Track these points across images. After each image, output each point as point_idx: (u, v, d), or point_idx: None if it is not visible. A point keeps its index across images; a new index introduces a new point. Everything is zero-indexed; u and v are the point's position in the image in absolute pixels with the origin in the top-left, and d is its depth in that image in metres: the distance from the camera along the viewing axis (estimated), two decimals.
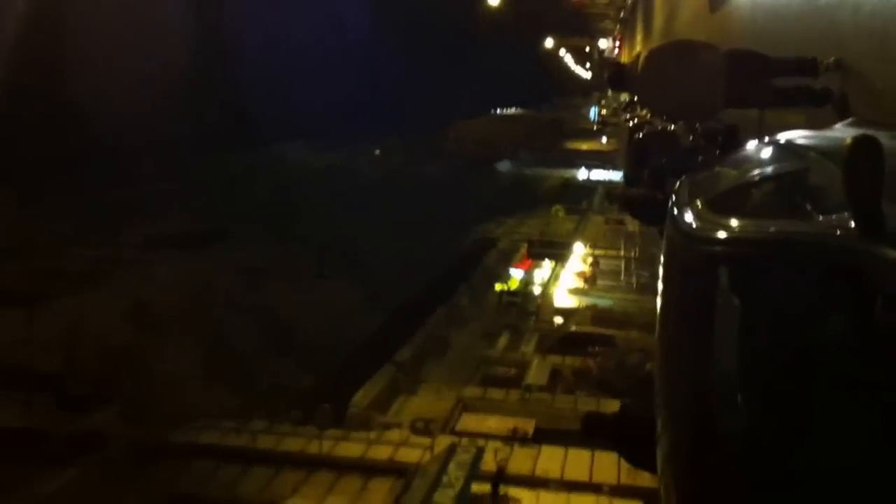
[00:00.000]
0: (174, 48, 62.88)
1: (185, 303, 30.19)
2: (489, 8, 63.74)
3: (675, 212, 3.90)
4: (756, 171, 3.82)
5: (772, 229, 3.16)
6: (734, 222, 3.33)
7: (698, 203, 3.71)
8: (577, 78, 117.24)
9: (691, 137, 8.31)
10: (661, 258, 4.06)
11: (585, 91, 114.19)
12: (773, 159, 3.74)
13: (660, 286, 4.10)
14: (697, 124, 8.32)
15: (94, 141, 50.12)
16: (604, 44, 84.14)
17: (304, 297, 33.33)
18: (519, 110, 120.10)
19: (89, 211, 42.83)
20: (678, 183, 4.33)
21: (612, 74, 8.95)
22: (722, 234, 3.30)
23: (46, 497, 18.08)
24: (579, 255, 38.30)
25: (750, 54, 7.67)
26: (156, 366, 24.64)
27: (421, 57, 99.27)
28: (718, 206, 3.55)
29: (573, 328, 30.02)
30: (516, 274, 36.79)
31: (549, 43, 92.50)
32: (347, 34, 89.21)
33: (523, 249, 39.63)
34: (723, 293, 3.21)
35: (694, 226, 3.56)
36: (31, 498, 17.96)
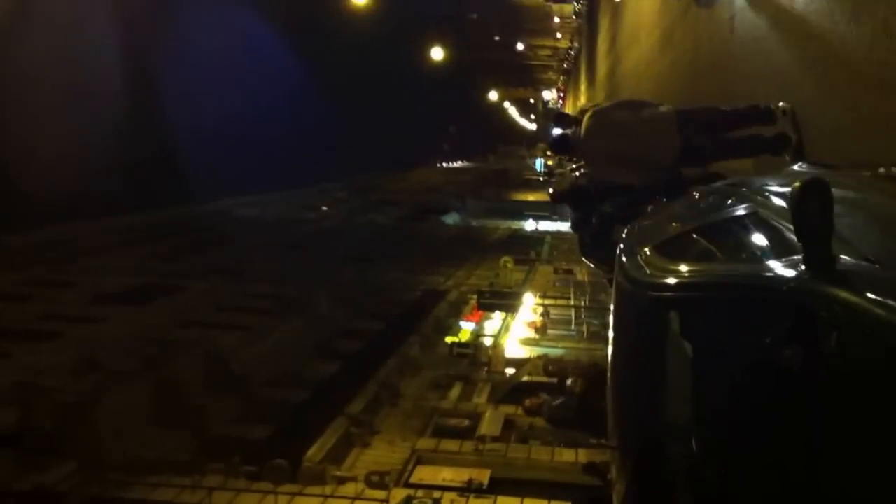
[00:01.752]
0: (106, 105, 63.24)
1: (137, 356, 29.99)
2: (432, 61, 64.49)
3: (624, 259, 3.99)
4: (704, 216, 3.91)
5: (721, 273, 3.22)
6: (683, 267, 3.42)
7: (646, 250, 3.81)
8: (522, 129, 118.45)
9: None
10: (612, 305, 4.14)
11: (531, 142, 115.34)
12: (720, 204, 3.79)
13: (610, 332, 4.19)
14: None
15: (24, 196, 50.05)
16: (547, 95, 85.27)
17: (255, 347, 33.19)
18: (465, 162, 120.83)
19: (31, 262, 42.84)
20: (625, 230, 4.41)
21: (556, 141, 8.82)
22: (671, 280, 3.39)
23: None
24: (529, 306, 38.58)
25: (701, 109, 7.69)
26: (110, 419, 24.42)
27: (362, 110, 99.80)
28: (667, 252, 3.64)
29: (525, 378, 30.13)
30: (467, 326, 36.95)
31: (493, 95, 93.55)
32: (286, 88, 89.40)
33: (473, 301, 39.73)
34: (674, 338, 3.28)
35: (643, 272, 3.65)
36: None
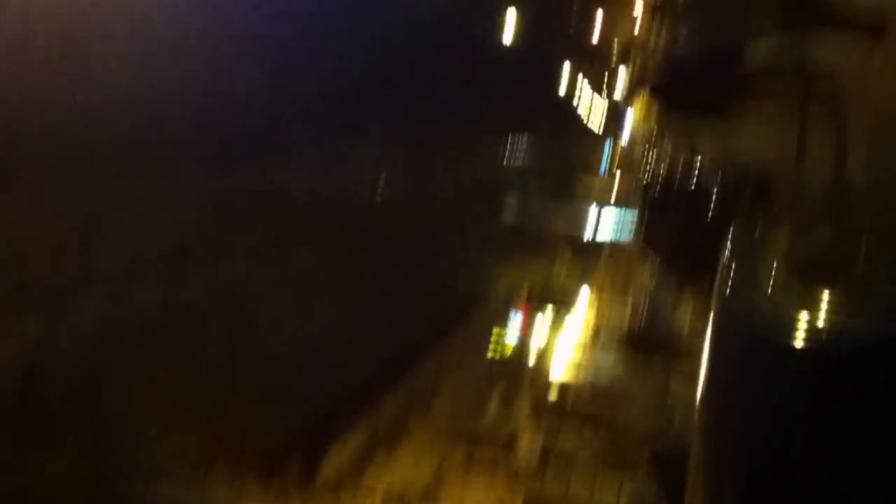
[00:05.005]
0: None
1: (159, 329, 29.08)
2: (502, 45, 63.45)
3: (736, 284, 3.88)
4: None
5: None
6: (835, 299, 2.98)
7: (778, 264, 3.58)
8: (595, 107, 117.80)
9: (716, 190, 7.42)
10: (707, 347, 3.45)
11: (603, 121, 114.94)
12: None
13: (703, 378, 3.55)
14: (724, 174, 7.49)
15: None
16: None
17: (289, 331, 32.21)
18: (531, 138, 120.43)
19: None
20: (729, 242, 3.44)
21: None
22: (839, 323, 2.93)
23: None
24: (584, 310, 37.34)
25: None
26: (120, 403, 23.46)
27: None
28: (809, 275, 3.30)
29: (569, 403, 28.89)
30: (512, 331, 35.65)
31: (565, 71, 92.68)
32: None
33: (522, 300, 38.27)
34: (860, 421, 3.09)
35: (777, 306, 3.36)
36: None
